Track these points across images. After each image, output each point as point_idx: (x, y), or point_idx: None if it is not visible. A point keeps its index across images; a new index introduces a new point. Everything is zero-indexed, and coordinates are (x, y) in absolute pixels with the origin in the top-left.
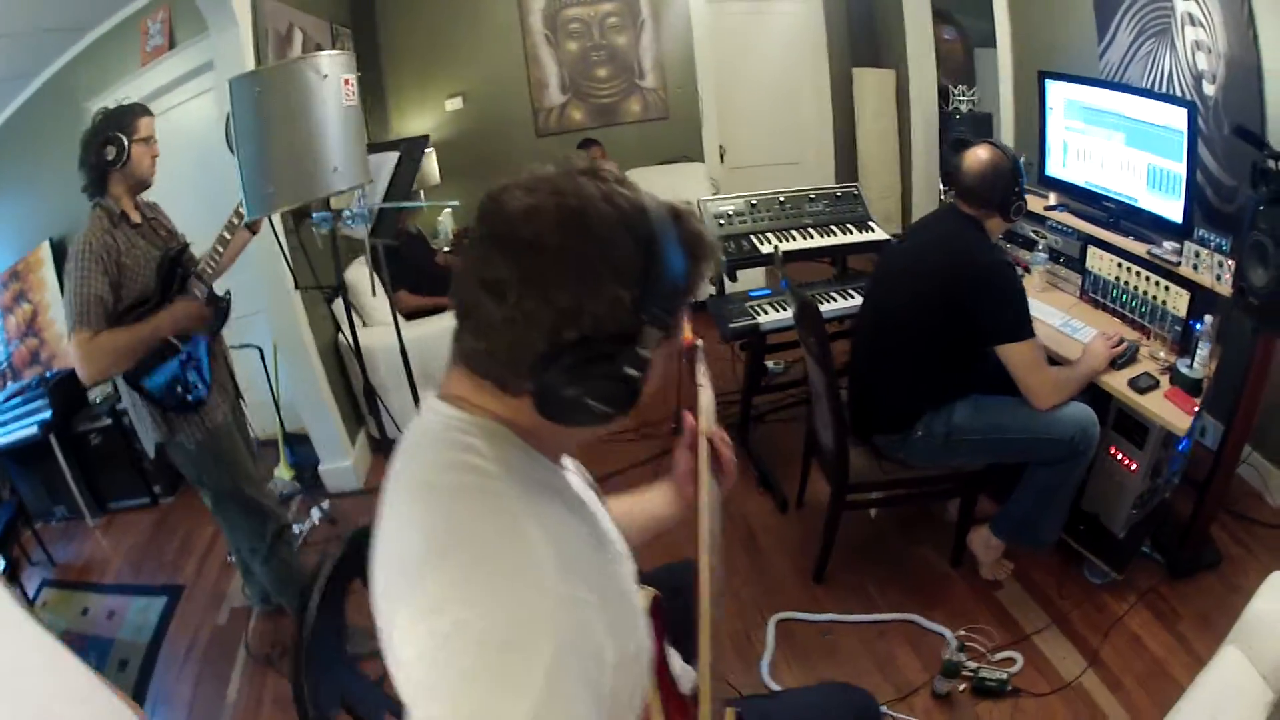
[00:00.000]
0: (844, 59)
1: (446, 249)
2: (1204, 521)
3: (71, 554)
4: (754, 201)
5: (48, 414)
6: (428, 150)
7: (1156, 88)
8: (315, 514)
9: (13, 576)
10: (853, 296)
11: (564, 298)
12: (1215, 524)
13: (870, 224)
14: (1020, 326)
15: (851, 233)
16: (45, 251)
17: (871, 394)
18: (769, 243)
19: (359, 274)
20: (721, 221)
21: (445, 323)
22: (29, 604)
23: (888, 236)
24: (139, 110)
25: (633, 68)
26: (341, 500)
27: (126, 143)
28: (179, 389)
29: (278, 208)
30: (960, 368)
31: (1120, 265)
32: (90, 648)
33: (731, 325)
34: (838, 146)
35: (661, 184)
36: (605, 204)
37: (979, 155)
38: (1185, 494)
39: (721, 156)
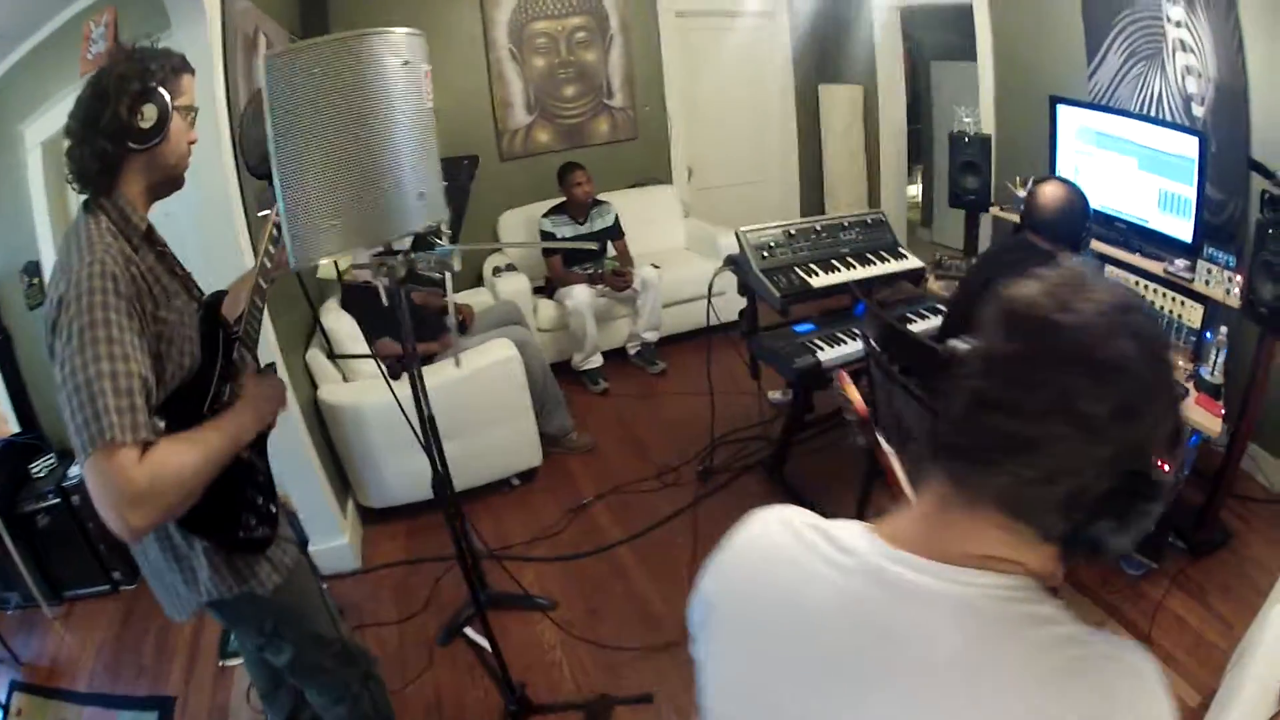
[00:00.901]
0: (810, 75)
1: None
2: (1216, 507)
3: (35, 650)
4: (792, 231)
5: None
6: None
7: (1146, 110)
8: None
9: None
10: (928, 316)
11: (1141, 427)
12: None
13: (902, 251)
14: None
15: (887, 261)
16: None
17: None
18: (815, 274)
19: (337, 320)
20: (765, 254)
21: (442, 376)
22: (4, 713)
23: (921, 264)
24: (181, 62)
25: (601, 86)
26: (340, 582)
27: (169, 104)
28: (250, 519)
29: (342, 249)
30: None
31: (1138, 283)
32: None
33: (795, 366)
34: (804, 164)
35: (633, 208)
36: (1142, 316)
37: (1055, 192)
38: (1191, 483)
39: (689, 177)
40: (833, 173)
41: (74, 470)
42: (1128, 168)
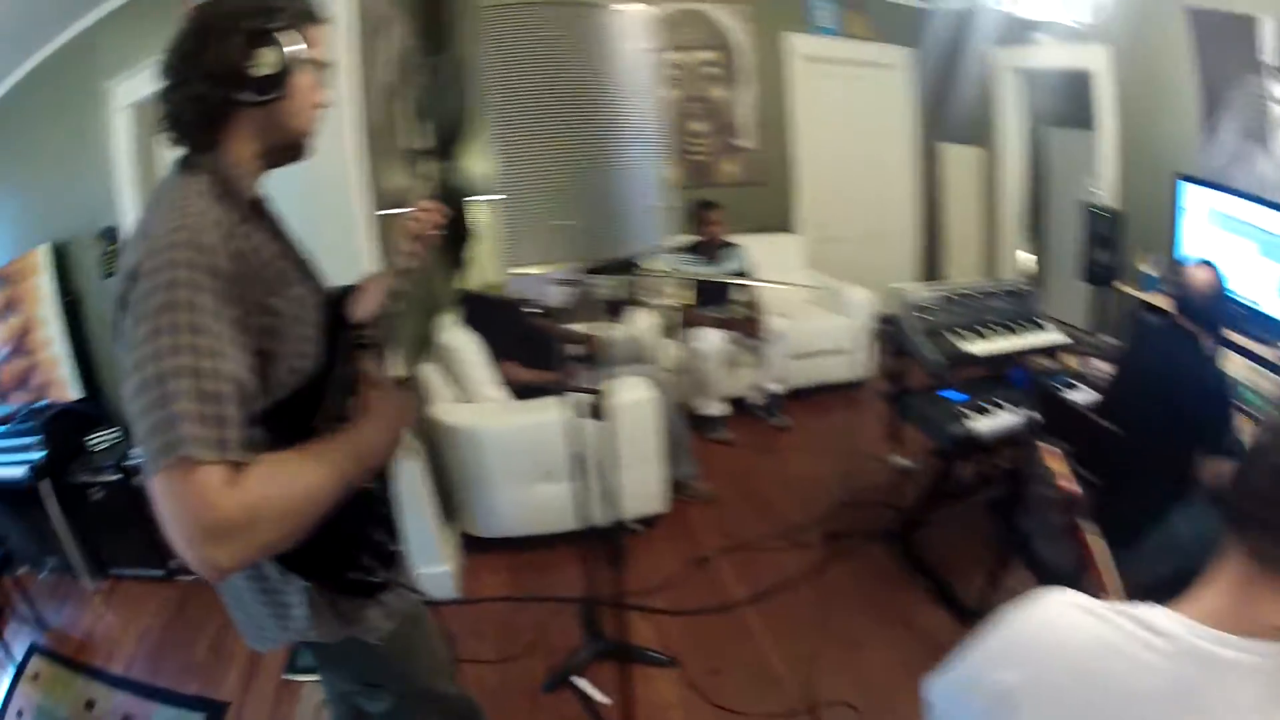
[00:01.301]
0: (931, 132)
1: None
2: None
3: (66, 620)
4: (948, 295)
5: (40, 454)
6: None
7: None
8: None
9: None
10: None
11: None
12: None
13: (1045, 324)
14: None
15: (1034, 332)
16: (44, 257)
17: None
18: (968, 340)
19: (457, 336)
20: (922, 316)
21: (565, 411)
22: (17, 673)
23: (1068, 340)
24: (312, 8)
25: (729, 125)
26: (435, 612)
27: (295, 52)
28: (366, 559)
29: (566, 257)
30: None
31: (1249, 366)
32: None
33: (950, 434)
34: (922, 223)
35: (756, 254)
36: None
37: (1206, 277)
38: None
39: (812, 228)
40: (950, 235)
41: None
42: (1248, 251)
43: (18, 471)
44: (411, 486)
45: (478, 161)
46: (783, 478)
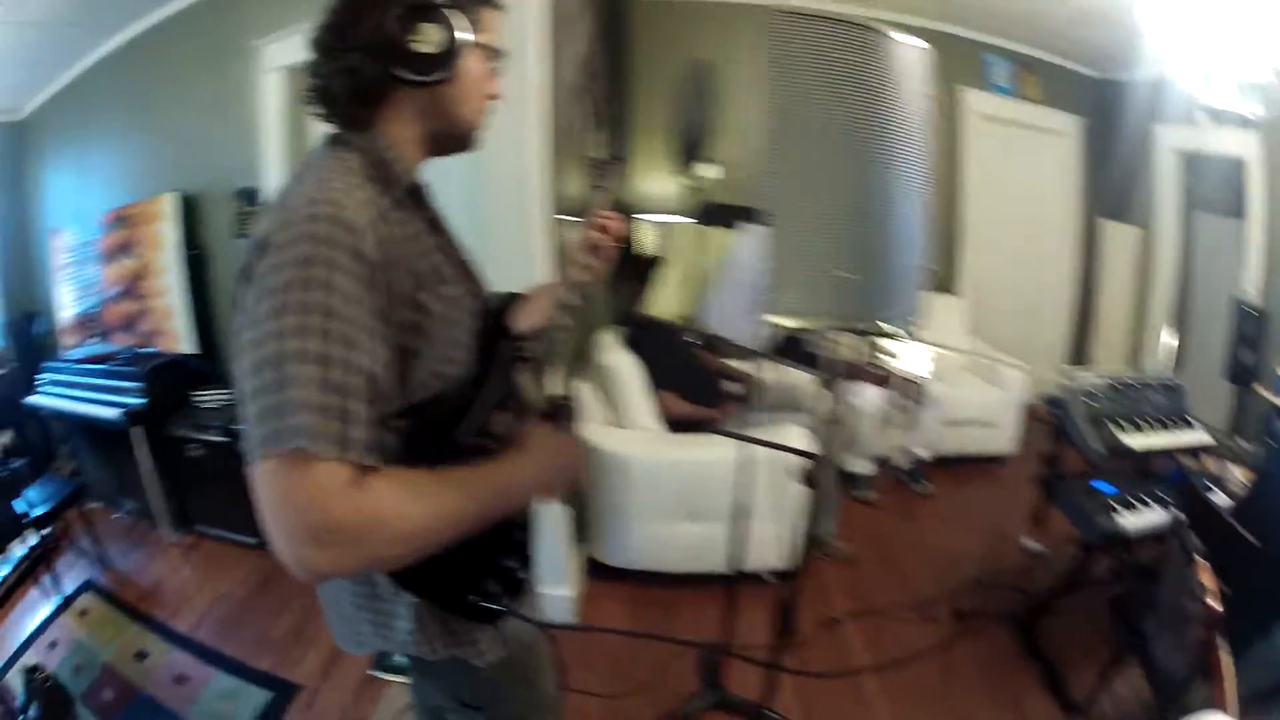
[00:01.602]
0: (1093, 206)
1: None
2: None
3: (135, 565)
4: (1114, 383)
5: (139, 401)
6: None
7: None
8: None
9: (47, 559)
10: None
11: None
12: None
13: (1192, 422)
14: None
15: (1184, 430)
16: (170, 205)
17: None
18: (1126, 431)
19: (618, 358)
20: (1087, 402)
21: (721, 451)
22: (62, 603)
23: (1214, 441)
24: None
25: None
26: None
27: (466, 34)
28: (490, 584)
29: (833, 313)
30: None
31: None
32: (138, 712)
33: (1099, 526)
34: (1077, 301)
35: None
36: None
37: None
38: None
39: (971, 293)
40: (1102, 317)
41: None
42: None
43: (110, 413)
44: (548, 504)
45: (661, 178)
46: (920, 546)
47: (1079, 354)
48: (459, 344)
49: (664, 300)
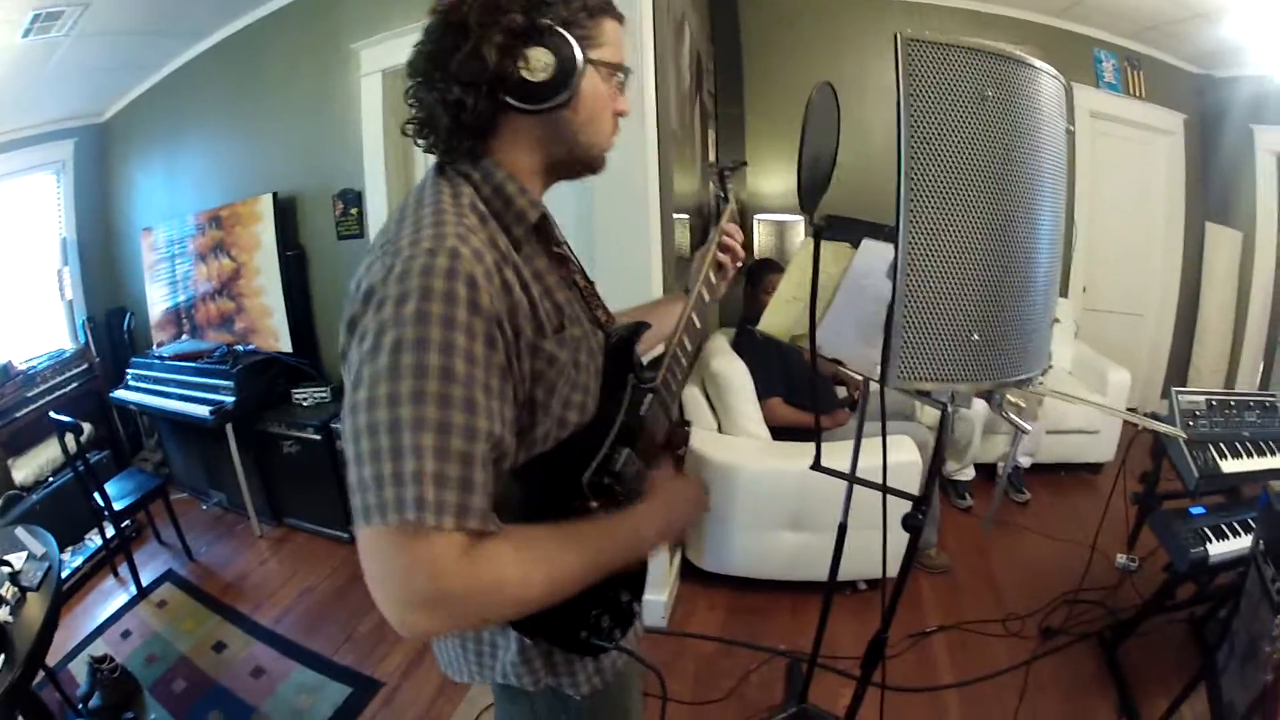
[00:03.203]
0: (1198, 209)
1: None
2: None
3: (221, 558)
4: (1213, 403)
5: (228, 399)
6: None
7: None
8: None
9: (125, 550)
10: None
11: None
12: None
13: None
14: None
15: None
16: (266, 206)
17: None
18: (1225, 455)
19: (728, 363)
20: (1189, 423)
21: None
22: (138, 593)
23: None
24: (597, 4)
25: None
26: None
27: (579, 55)
28: (604, 619)
29: (964, 380)
30: None
31: None
32: (210, 703)
33: (1190, 555)
34: (1181, 306)
35: None
36: None
37: None
38: None
39: (1078, 295)
40: (1205, 324)
41: None
42: None
43: (201, 410)
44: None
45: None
46: (1013, 557)
47: (1183, 361)
48: (583, 387)
49: (777, 311)
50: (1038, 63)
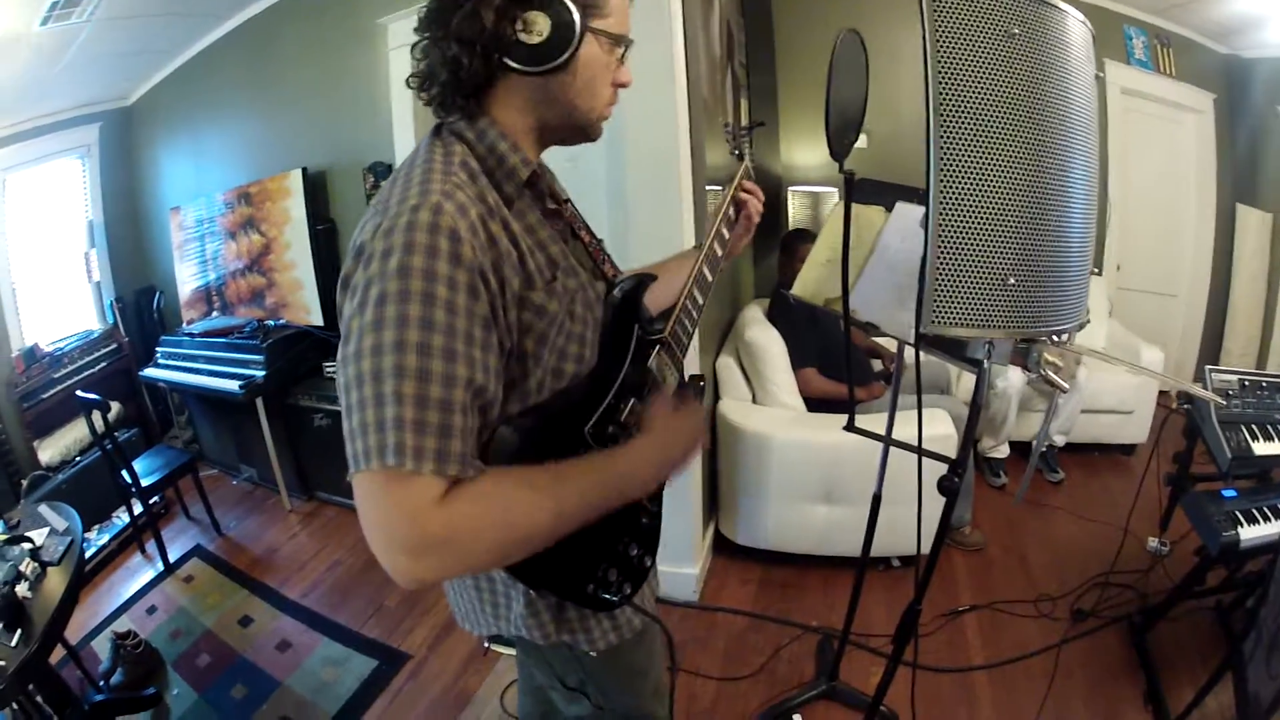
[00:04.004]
0: (1229, 189)
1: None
2: None
3: (250, 531)
4: (1246, 383)
5: (258, 373)
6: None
7: None
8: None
9: (153, 526)
10: None
11: None
12: None
13: None
14: None
15: None
16: (296, 182)
17: None
18: (1258, 437)
19: (763, 332)
20: (1230, 407)
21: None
22: (165, 569)
23: None
24: None
25: None
26: (671, 612)
27: (578, 22)
28: (611, 572)
29: (1003, 327)
30: None
31: None
32: (234, 676)
33: (1221, 538)
34: (1213, 287)
35: None
36: None
37: None
38: None
39: (1112, 274)
40: (1235, 305)
41: None
42: None
43: (230, 384)
44: (683, 480)
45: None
46: (1046, 537)
47: (1214, 343)
48: (578, 338)
49: (811, 272)
50: (1063, 4)
